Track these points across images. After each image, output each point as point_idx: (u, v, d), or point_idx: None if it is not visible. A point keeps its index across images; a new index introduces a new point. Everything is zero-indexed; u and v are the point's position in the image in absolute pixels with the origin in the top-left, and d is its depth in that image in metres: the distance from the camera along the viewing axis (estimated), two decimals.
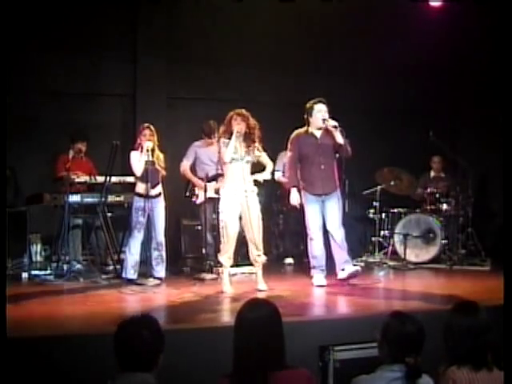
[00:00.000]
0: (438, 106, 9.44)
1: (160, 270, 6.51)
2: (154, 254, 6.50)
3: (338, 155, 6.47)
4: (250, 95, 8.58)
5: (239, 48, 8.65)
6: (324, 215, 6.39)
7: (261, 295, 5.69)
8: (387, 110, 9.22)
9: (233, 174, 5.97)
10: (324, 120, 6.34)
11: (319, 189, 6.38)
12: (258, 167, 6.44)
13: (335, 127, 6.29)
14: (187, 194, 7.47)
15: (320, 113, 6.37)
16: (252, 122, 6.06)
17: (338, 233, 6.36)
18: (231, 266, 6.12)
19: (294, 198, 6.44)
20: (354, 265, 6.50)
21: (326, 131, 6.43)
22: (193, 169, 7.49)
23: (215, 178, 7.05)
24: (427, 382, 2.88)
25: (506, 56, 5.55)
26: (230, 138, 5.96)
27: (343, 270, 6.32)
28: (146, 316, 2.91)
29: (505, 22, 5.73)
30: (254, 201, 6.04)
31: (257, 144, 6.08)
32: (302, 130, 6.51)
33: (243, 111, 6.04)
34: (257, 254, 6.01)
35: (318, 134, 6.45)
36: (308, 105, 6.45)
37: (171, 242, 7.22)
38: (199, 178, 7.31)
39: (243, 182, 5.96)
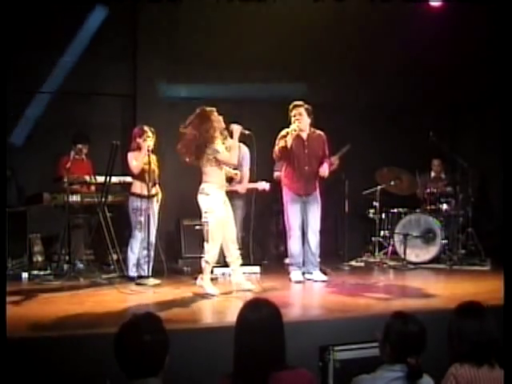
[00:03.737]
0: (438, 105, 9.44)
1: (146, 269, 6.55)
2: (144, 252, 6.55)
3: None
4: (250, 95, 8.57)
5: (239, 48, 8.64)
6: (304, 217, 6.56)
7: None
8: (387, 110, 9.22)
9: (218, 175, 5.96)
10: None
11: (301, 189, 6.53)
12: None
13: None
14: None
15: (295, 117, 6.49)
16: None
17: (313, 238, 6.59)
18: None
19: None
20: (324, 272, 6.73)
21: (313, 134, 6.55)
22: None
23: None
24: (428, 382, 2.88)
25: (506, 56, 5.55)
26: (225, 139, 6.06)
27: (311, 273, 6.63)
28: (147, 316, 2.69)
29: (505, 22, 5.73)
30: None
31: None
32: (290, 130, 6.55)
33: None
34: (239, 252, 6.07)
35: (305, 135, 6.56)
36: (289, 108, 6.55)
37: (171, 241, 7.22)
38: None
39: (225, 182, 6.07)
